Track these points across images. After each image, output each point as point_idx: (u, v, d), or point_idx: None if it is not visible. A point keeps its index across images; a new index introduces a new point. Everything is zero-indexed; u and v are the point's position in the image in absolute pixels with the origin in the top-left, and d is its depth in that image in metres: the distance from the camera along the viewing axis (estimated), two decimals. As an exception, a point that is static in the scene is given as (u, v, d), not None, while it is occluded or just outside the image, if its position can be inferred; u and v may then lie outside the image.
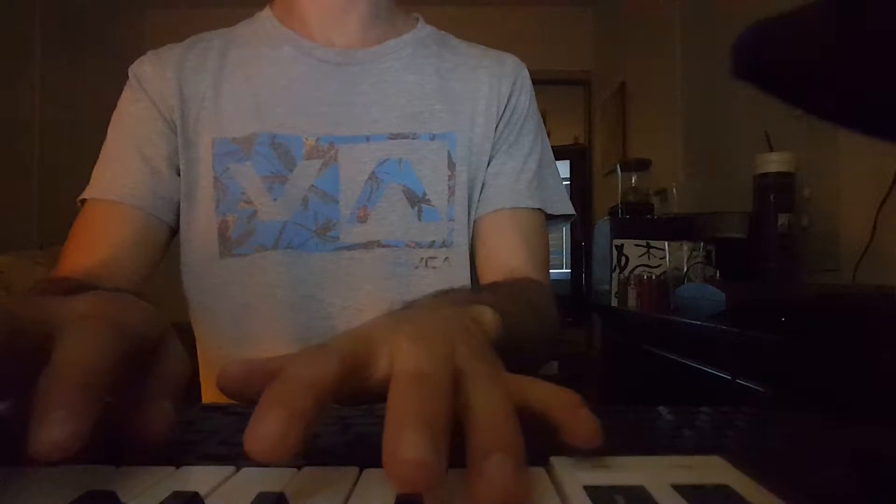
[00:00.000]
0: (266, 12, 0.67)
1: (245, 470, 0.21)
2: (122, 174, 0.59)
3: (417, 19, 0.69)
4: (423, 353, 0.21)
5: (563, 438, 0.21)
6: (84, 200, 0.59)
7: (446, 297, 0.38)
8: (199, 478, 0.20)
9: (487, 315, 0.33)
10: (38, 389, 0.18)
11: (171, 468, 0.21)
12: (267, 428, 0.17)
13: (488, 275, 0.62)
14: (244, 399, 0.22)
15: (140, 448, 0.22)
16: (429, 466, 0.16)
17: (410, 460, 0.16)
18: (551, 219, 0.67)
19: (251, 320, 0.59)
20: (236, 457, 0.23)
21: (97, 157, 0.61)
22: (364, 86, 0.62)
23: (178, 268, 0.62)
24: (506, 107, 0.65)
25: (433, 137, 0.62)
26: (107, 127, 0.62)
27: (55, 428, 0.17)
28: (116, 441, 0.22)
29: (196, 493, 0.18)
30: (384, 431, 0.17)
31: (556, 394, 0.23)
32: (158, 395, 0.23)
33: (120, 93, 0.63)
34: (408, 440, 0.17)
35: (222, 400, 0.31)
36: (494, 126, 0.64)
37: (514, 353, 0.28)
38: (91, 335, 0.21)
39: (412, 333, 0.22)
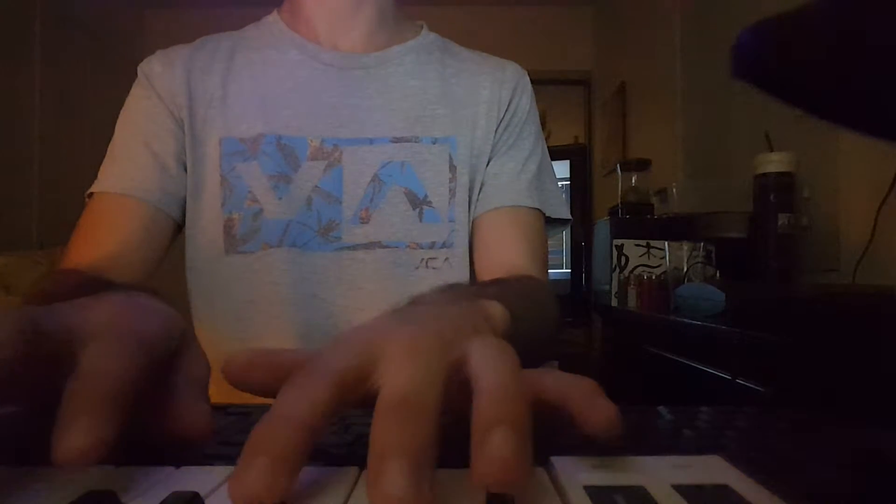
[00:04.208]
0: (273, 16, 0.67)
1: (245, 470, 0.21)
2: (130, 169, 0.59)
3: (422, 27, 0.70)
4: (412, 373, 0.20)
5: (580, 429, 0.21)
6: (91, 195, 0.60)
7: (452, 291, 0.38)
8: (199, 478, 0.20)
9: (496, 310, 0.32)
10: (64, 397, 0.18)
11: (171, 468, 0.21)
12: (252, 478, 0.17)
13: (488, 272, 0.62)
14: (248, 389, 0.23)
15: (178, 448, 0.22)
16: (411, 500, 0.16)
17: (393, 495, 0.16)
18: (549, 223, 0.68)
19: (255, 317, 0.59)
20: (236, 457, 0.23)
21: (97, 156, 0.62)
22: (368, 90, 0.63)
23: (176, 266, 0.62)
24: (506, 110, 0.66)
25: (435, 141, 0.63)
26: (106, 126, 0.63)
27: (80, 434, 0.17)
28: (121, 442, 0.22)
29: (196, 493, 0.18)
30: (368, 459, 0.17)
31: (571, 383, 0.22)
32: (194, 397, 0.24)
33: (120, 93, 0.64)
34: (389, 473, 0.16)
35: (223, 397, 0.31)
36: (494, 128, 0.65)
37: (520, 350, 0.28)
38: (115, 347, 0.21)
39: (408, 344, 0.22)
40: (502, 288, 0.46)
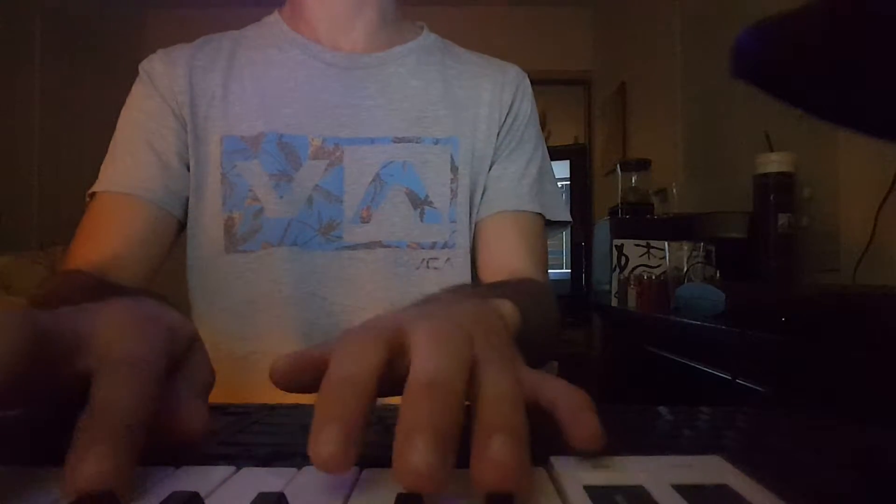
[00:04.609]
0: (274, 16, 0.68)
1: (245, 470, 0.21)
2: (133, 168, 0.59)
3: (423, 28, 0.70)
4: (440, 356, 0.21)
5: (565, 438, 0.21)
6: (93, 195, 0.60)
7: (462, 291, 0.38)
8: (199, 478, 0.20)
9: (508, 308, 0.33)
10: (77, 430, 0.18)
11: (171, 468, 0.21)
12: (329, 447, 0.18)
13: (490, 276, 0.62)
14: (299, 390, 0.23)
15: (176, 448, 0.22)
16: (435, 475, 0.17)
17: (419, 468, 0.17)
18: (549, 225, 0.68)
19: (255, 316, 0.59)
20: (236, 457, 0.23)
21: (97, 156, 0.62)
22: (370, 90, 0.63)
23: (176, 265, 0.62)
24: (508, 114, 0.66)
25: (437, 141, 0.63)
26: (106, 126, 0.62)
27: (95, 461, 0.17)
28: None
29: (196, 493, 0.18)
30: (396, 435, 0.18)
31: (565, 393, 0.23)
32: (191, 396, 0.24)
33: (120, 93, 0.64)
34: (417, 448, 0.17)
35: (224, 397, 0.31)
36: (497, 132, 0.65)
37: (526, 348, 0.28)
38: (128, 376, 0.21)
39: (433, 330, 0.22)
40: (508, 289, 0.46)
